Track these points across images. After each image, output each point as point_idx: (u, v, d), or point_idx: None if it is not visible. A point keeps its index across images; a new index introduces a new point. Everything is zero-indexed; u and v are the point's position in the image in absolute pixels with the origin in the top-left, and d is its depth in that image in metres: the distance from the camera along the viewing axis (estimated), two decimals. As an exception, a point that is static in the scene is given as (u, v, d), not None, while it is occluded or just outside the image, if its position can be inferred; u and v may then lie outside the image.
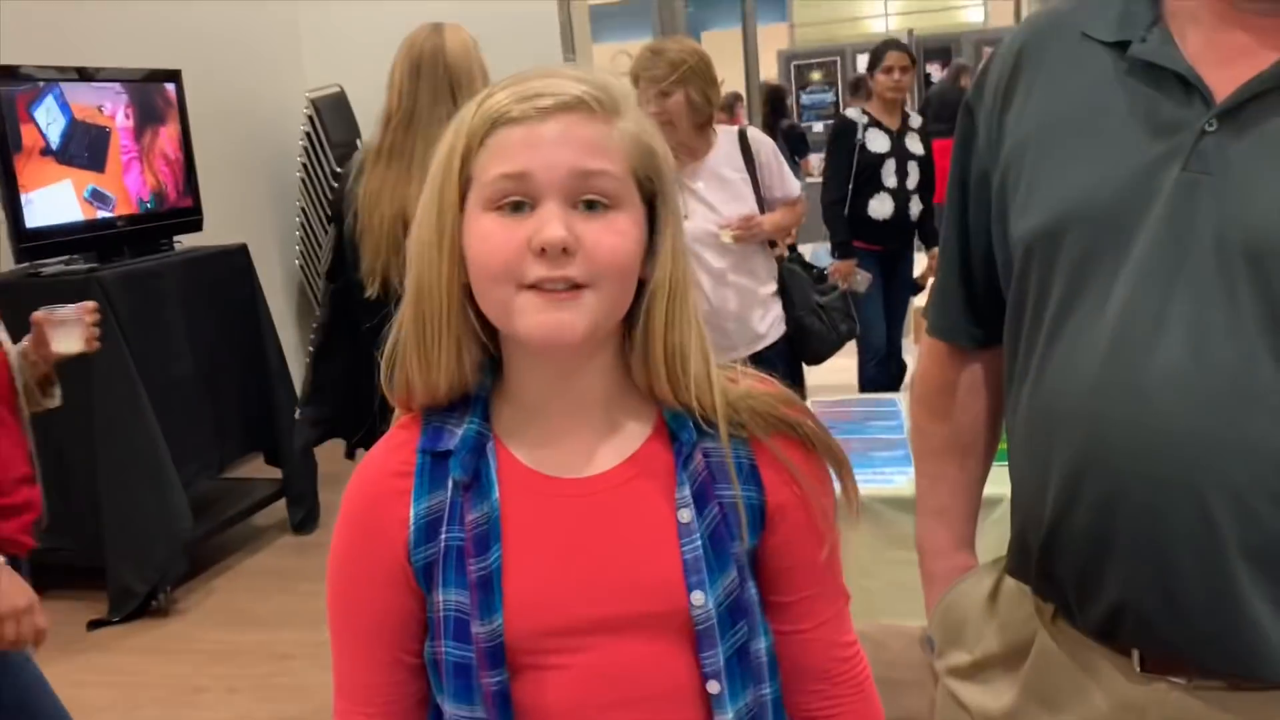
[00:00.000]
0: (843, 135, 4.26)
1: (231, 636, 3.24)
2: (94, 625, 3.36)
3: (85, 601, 3.44)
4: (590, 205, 0.82)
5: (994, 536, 1.74)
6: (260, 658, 3.07)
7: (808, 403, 3.03)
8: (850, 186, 4.20)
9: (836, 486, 0.92)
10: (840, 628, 0.95)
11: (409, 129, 2.17)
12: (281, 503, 4.05)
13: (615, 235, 0.83)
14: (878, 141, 4.21)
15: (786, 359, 2.92)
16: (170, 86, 3.96)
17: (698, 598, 0.85)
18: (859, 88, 7.77)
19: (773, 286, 2.93)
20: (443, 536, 0.87)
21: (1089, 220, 0.94)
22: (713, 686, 0.86)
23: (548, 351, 0.85)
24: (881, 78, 4.22)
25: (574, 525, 0.87)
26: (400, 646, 0.91)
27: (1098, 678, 0.98)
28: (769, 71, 10.57)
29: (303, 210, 5.17)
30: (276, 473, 4.10)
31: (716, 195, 2.82)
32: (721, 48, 8.75)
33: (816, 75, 10.87)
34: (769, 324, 2.91)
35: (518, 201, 0.82)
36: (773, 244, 2.98)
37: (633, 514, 0.87)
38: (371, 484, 0.91)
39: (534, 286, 0.81)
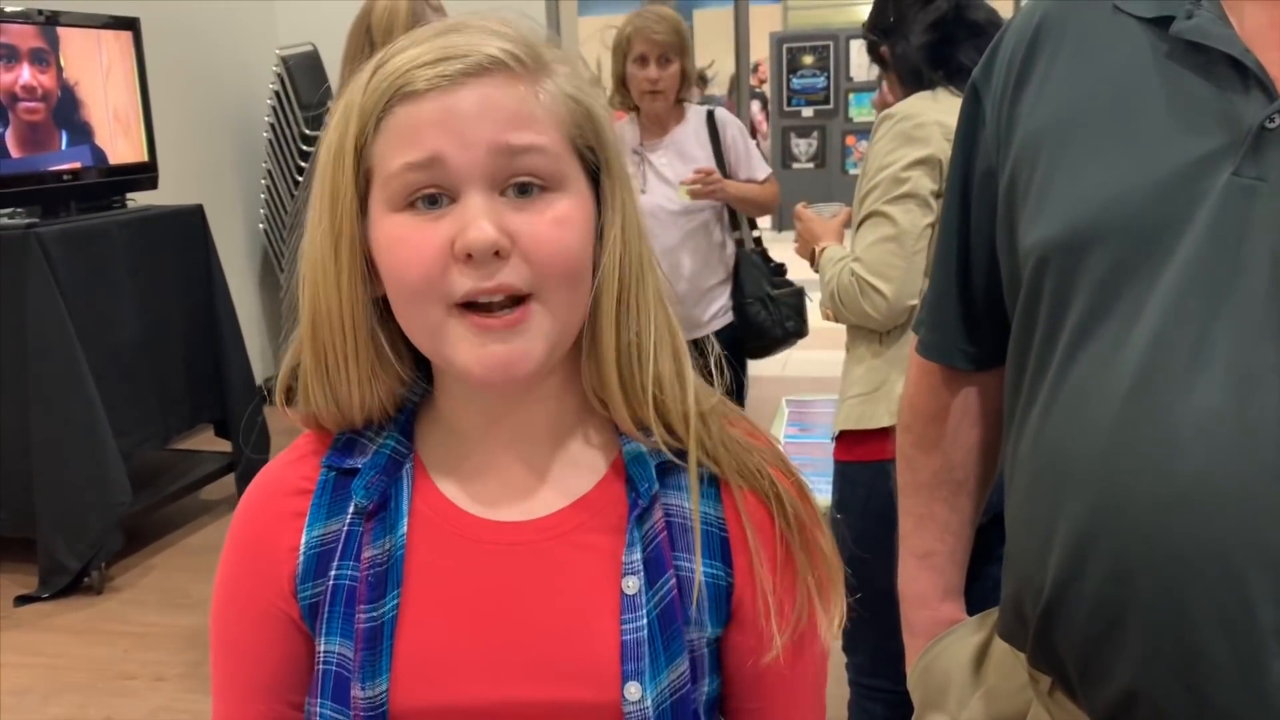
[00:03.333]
0: None
1: (165, 619, 3.08)
2: (21, 601, 3.20)
3: (14, 575, 3.28)
4: (522, 190, 0.67)
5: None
6: (193, 643, 2.91)
7: (783, 405, 2.86)
8: None
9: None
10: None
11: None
12: (231, 477, 3.88)
13: (556, 225, 0.67)
14: None
15: (729, 348, 2.79)
16: (128, 35, 3.75)
17: (633, 690, 0.68)
18: None
19: (723, 275, 2.82)
20: (333, 573, 0.71)
21: (1116, 231, 0.78)
22: None
23: (490, 388, 0.70)
24: None
25: (495, 580, 0.71)
26: (283, 700, 0.75)
27: (1098, 766, 0.84)
28: (760, 53, 10.39)
29: (269, 173, 5.00)
30: (227, 445, 3.95)
31: (677, 171, 2.71)
32: (712, 27, 8.58)
33: (809, 59, 10.69)
34: (713, 312, 2.80)
35: (432, 195, 0.66)
36: (735, 225, 2.84)
37: (570, 574, 0.71)
38: (263, 502, 0.76)
39: (467, 305, 0.66)
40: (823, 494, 0.85)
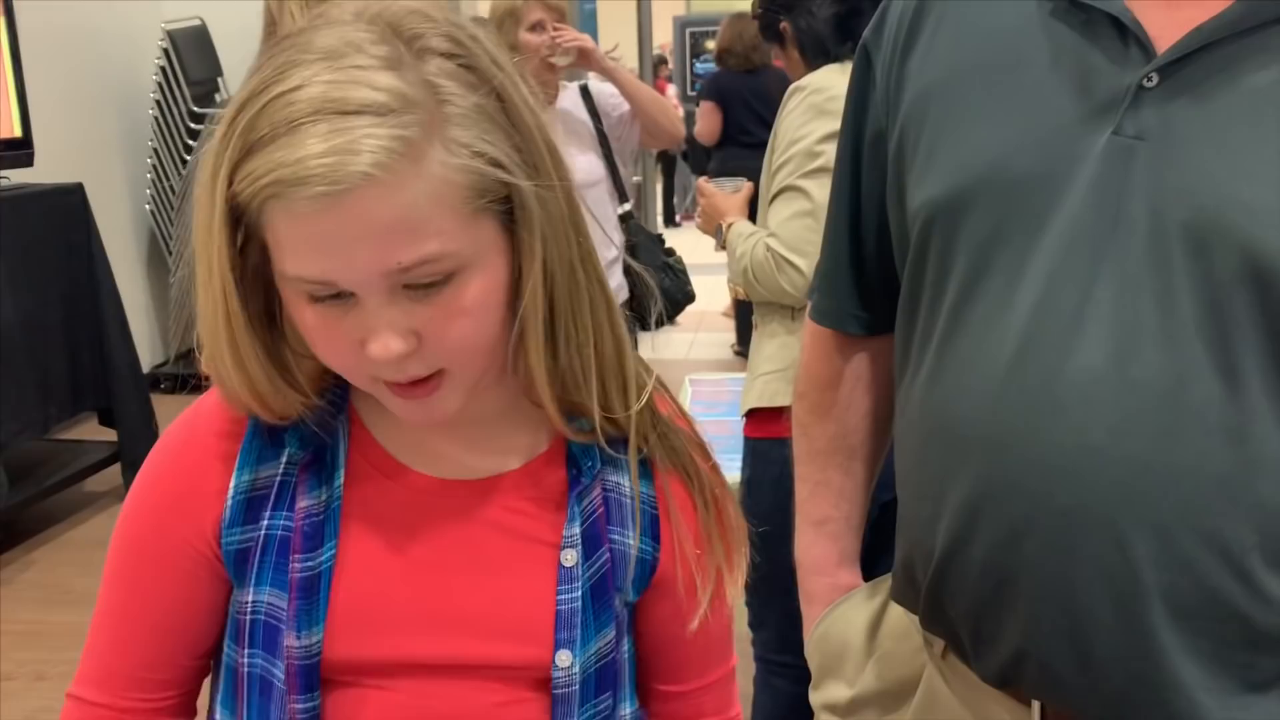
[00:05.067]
0: None
1: (46, 616, 2.94)
2: (-111, 600, 3.03)
3: (-118, 574, 3.10)
4: (425, 285, 0.64)
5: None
6: (75, 640, 2.75)
7: (686, 383, 2.88)
8: None
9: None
10: (725, 697, 0.83)
11: None
12: (116, 468, 3.72)
13: (461, 316, 0.65)
14: None
15: (627, 325, 2.80)
16: (-3, 4, 3.57)
17: (564, 658, 0.71)
18: None
19: (617, 251, 2.76)
20: (264, 522, 0.70)
21: (998, 190, 0.78)
22: None
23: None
24: None
25: (433, 536, 0.72)
26: (187, 649, 0.74)
27: (991, 727, 0.84)
28: (664, 38, 10.37)
29: (155, 151, 4.81)
30: (112, 434, 3.78)
31: (565, 147, 2.65)
32: (614, 11, 8.53)
33: (711, 43, 10.72)
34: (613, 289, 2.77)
35: (334, 293, 0.64)
36: (623, 197, 2.81)
37: (508, 538, 0.73)
38: (188, 441, 0.74)
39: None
40: (729, 471, 0.85)
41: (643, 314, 2.80)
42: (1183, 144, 0.72)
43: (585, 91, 2.71)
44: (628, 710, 0.78)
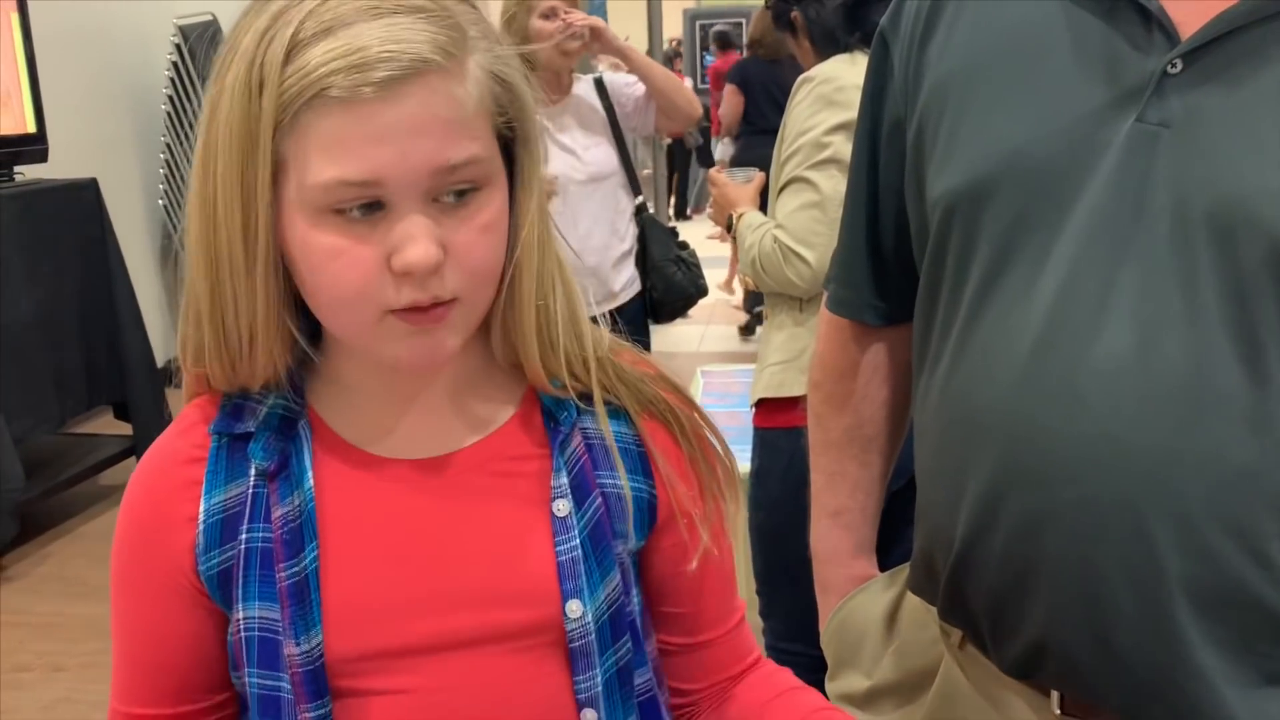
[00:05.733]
0: None
1: (63, 608, 2.96)
2: (-92, 593, 3.05)
3: (-98, 566, 3.13)
4: (458, 194, 0.65)
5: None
6: (92, 632, 2.81)
7: (698, 375, 2.88)
8: None
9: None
10: (744, 642, 0.82)
11: None
12: (131, 461, 3.74)
13: (485, 232, 0.66)
14: None
15: (638, 320, 2.78)
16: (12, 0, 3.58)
17: (574, 608, 0.70)
18: None
19: (630, 244, 2.78)
20: (243, 537, 0.69)
21: (1021, 179, 0.77)
22: (588, 716, 0.71)
23: (413, 373, 0.70)
24: None
25: (416, 516, 0.71)
26: (184, 680, 0.73)
27: (1009, 718, 0.84)
28: (674, 31, 10.35)
29: (168, 146, 4.82)
30: (127, 428, 3.80)
31: (577, 140, 2.64)
32: (623, 5, 8.51)
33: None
34: (624, 282, 2.75)
35: (367, 204, 0.63)
36: (636, 191, 2.81)
37: (494, 502, 0.72)
38: (155, 475, 0.73)
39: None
40: (740, 462, 0.86)
41: (655, 308, 2.81)
42: (1207, 131, 0.71)
43: (600, 84, 2.70)
44: (648, 668, 0.77)
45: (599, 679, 0.71)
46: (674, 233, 2.91)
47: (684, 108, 2.75)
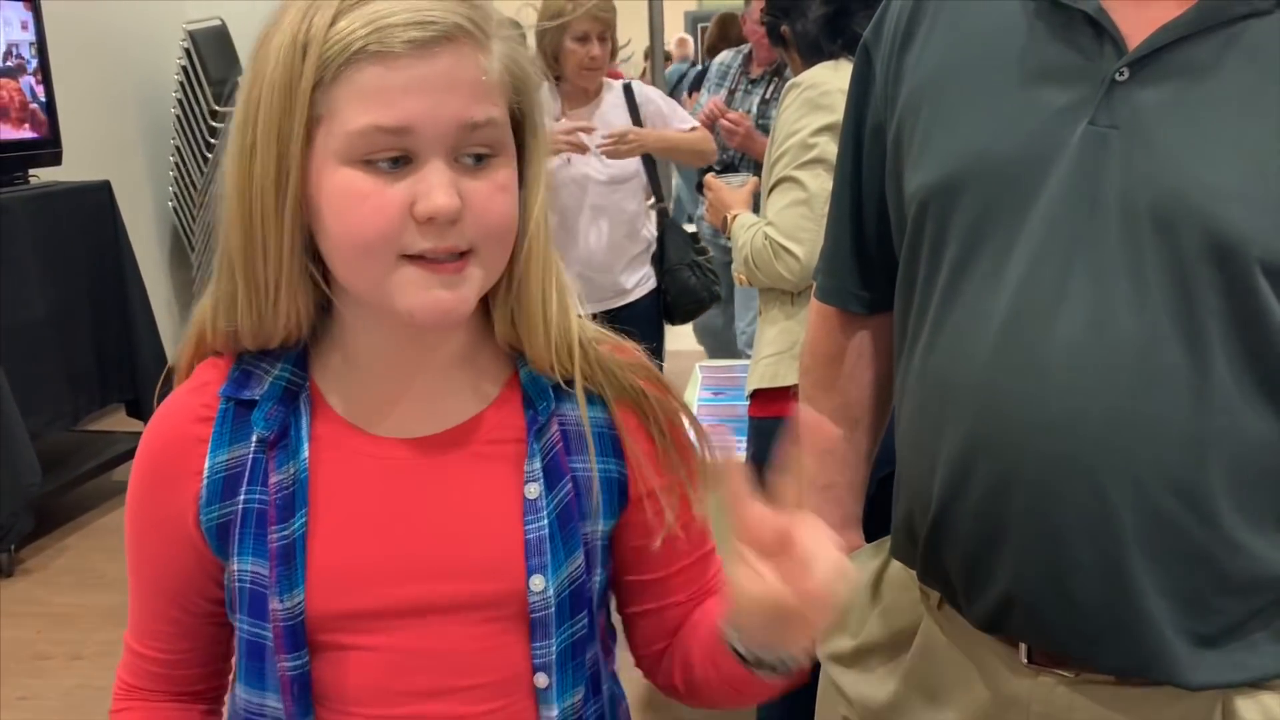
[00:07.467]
0: None
1: (80, 599, 3.03)
2: (-72, 585, 3.12)
3: (-77, 560, 3.19)
4: (476, 158, 0.72)
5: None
6: (109, 622, 2.87)
7: (696, 370, 2.93)
8: None
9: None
10: (704, 570, 0.85)
11: None
12: (144, 458, 3.81)
13: (500, 192, 0.73)
14: None
15: (650, 318, 2.85)
16: (25, 6, 3.65)
17: (537, 582, 0.76)
18: None
19: (647, 243, 2.85)
20: (241, 497, 0.76)
21: (987, 176, 0.85)
22: (540, 680, 0.78)
23: (426, 330, 0.75)
24: None
25: (399, 491, 0.77)
26: (186, 607, 0.81)
27: (982, 669, 0.91)
28: (675, 32, 10.39)
29: (177, 149, 4.88)
30: (139, 425, 3.85)
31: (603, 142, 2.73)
32: (623, 7, 8.58)
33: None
34: (636, 280, 2.82)
35: (395, 157, 0.70)
36: (658, 196, 2.88)
37: (472, 483, 0.78)
38: (167, 427, 0.80)
39: (416, 257, 0.71)
40: (738, 451, 0.91)
41: (669, 309, 2.88)
42: (1151, 132, 0.79)
43: (629, 90, 2.79)
44: (596, 645, 0.81)
45: (554, 648, 0.77)
46: (694, 238, 2.97)
47: (709, 157, 2.92)
